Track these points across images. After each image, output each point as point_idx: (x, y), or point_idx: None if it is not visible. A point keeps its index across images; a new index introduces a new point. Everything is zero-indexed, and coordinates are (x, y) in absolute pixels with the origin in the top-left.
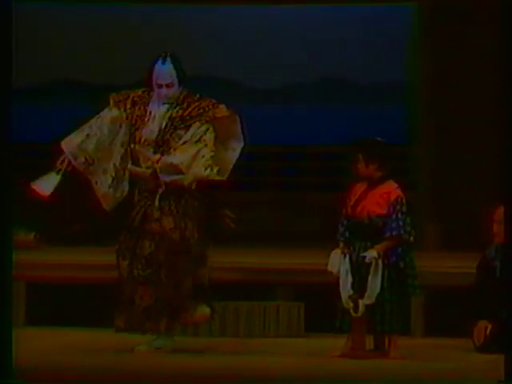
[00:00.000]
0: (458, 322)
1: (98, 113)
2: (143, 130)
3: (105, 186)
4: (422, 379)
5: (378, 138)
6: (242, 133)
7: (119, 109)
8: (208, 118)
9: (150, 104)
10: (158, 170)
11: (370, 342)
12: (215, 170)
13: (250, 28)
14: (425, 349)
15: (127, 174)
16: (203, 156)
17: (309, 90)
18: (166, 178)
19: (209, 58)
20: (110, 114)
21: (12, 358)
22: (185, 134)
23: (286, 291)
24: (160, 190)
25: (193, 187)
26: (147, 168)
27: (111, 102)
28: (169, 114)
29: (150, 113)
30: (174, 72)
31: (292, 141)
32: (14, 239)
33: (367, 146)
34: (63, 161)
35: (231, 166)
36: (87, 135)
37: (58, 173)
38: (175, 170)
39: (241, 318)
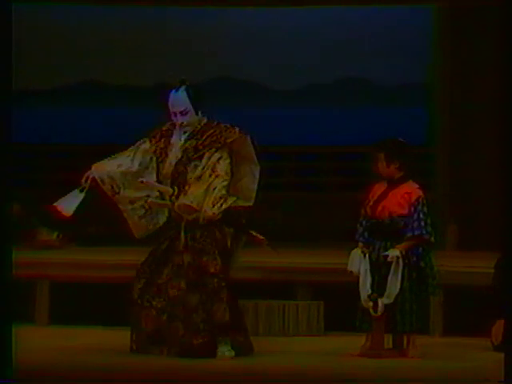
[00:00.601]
0: (476, 322)
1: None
2: (166, 163)
3: (134, 217)
4: (440, 378)
5: (400, 139)
6: (256, 154)
7: (151, 142)
8: (219, 145)
9: (173, 136)
10: (177, 210)
11: (388, 341)
12: (224, 206)
13: (271, 29)
14: (443, 348)
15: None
16: (214, 189)
17: (329, 91)
18: (186, 216)
19: (229, 59)
20: (143, 146)
21: (12, 357)
22: (200, 163)
23: (306, 290)
24: (183, 223)
25: (217, 218)
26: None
27: (149, 134)
28: (185, 146)
29: (172, 145)
30: (187, 100)
31: (312, 141)
32: (38, 239)
33: (389, 146)
34: (87, 178)
35: (255, 192)
36: (118, 165)
37: (81, 191)
38: (189, 209)
39: (260, 316)
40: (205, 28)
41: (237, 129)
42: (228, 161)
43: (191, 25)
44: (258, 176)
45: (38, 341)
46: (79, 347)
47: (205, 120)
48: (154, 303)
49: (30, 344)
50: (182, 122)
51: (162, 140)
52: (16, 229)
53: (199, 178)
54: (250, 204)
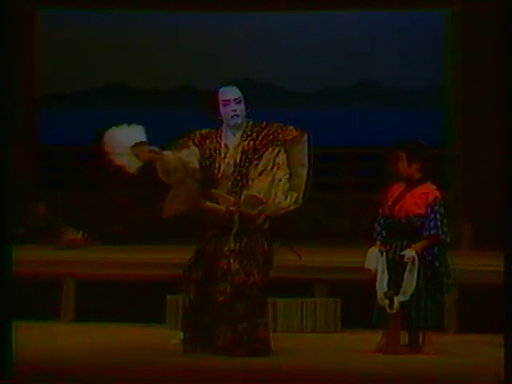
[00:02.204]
0: (490, 319)
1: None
2: (222, 164)
3: (176, 203)
4: (454, 374)
5: (421, 140)
6: (309, 153)
7: (193, 142)
8: (279, 142)
9: (223, 137)
10: (242, 206)
11: (404, 337)
12: (294, 197)
13: (290, 33)
14: (457, 345)
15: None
16: (280, 180)
17: (347, 93)
18: (250, 211)
19: (250, 62)
20: (188, 145)
21: (12, 356)
22: (260, 162)
23: (323, 288)
24: (234, 229)
25: (265, 226)
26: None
27: (186, 136)
28: (241, 148)
29: (226, 146)
30: (238, 90)
31: (330, 142)
32: (64, 239)
33: (411, 146)
34: (156, 154)
35: (302, 193)
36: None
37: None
38: (256, 201)
39: (279, 313)
40: (226, 32)
41: (292, 127)
42: (286, 155)
43: (213, 29)
44: (305, 176)
45: (64, 338)
46: (103, 344)
47: (251, 122)
48: (209, 309)
49: (56, 341)
50: (235, 110)
51: (207, 141)
52: (42, 229)
53: (262, 172)
54: (298, 205)
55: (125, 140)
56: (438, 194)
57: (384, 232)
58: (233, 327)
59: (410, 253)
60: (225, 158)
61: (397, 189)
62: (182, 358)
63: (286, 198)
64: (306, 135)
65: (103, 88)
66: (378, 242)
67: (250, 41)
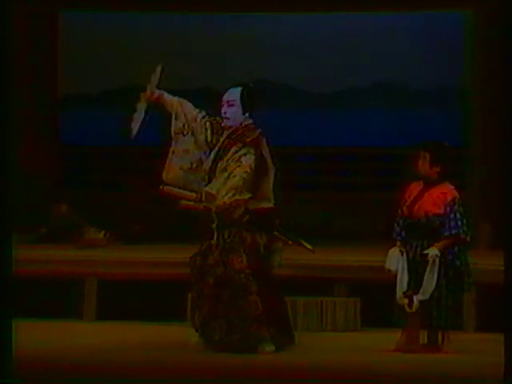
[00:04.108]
0: (509, 318)
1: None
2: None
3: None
4: (473, 373)
5: (445, 142)
6: (272, 156)
7: (202, 117)
8: (242, 144)
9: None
10: (203, 198)
11: (423, 336)
12: (243, 196)
13: (308, 34)
14: (476, 343)
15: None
16: (234, 176)
17: (366, 93)
18: (212, 206)
19: (268, 63)
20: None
21: (11, 356)
22: (224, 160)
23: (343, 287)
24: (213, 225)
25: (244, 219)
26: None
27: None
28: (218, 146)
29: (211, 142)
30: (238, 95)
31: (349, 143)
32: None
33: (435, 148)
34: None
35: (272, 192)
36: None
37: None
38: (209, 196)
39: (298, 312)
40: (246, 33)
41: (259, 130)
42: (254, 157)
43: (233, 30)
44: (273, 177)
45: (86, 336)
46: (125, 343)
47: (248, 122)
48: (200, 302)
49: (78, 340)
50: (225, 113)
51: (215, 137)
52: (64, 228)
53: (225, 168)
54: (271, 205)
55: None
56: (456, 193)
57: (403, 232)
58: (225, 316)
59: (433, 251)
60: (209, 154)
61: (415, 188)
62: (203, 356)
63: (226, 194)
64: (264, 139)
65: (126, 89)
66: (398, 243)
67: (269, 42)
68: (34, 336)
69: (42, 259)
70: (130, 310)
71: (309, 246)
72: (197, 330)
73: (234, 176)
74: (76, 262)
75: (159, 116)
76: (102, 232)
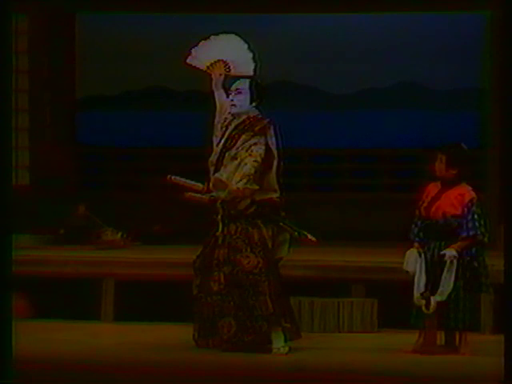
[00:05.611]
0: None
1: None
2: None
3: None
4: (491, 374)
5: (463, 145)
6: (277, 147)
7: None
8: (252, 133)
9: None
10: (210, 186)
11: (441, 338)
12: (254, 186)
13: (326, 35)
14: (493, 345)
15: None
16: (245, 165)
17: (385, 95)
18: (221, 195)
19: (286, 64)
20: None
21: (12, 356)
22: (233, 149)
23: (360, 288)
24: (218, 216)
25: (250, 211)
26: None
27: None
28: (225, 137)
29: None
30: (247, 83)
31: (368, 144)
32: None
33: (453, 151)
34: None
35: (277, 184)
36: None
37: None
38: (219, 183)
39: (315, 313)
40: (267, 34)
41: (267, 120)
42: (263, 147)
43: (254, 30)
44: (275, 169)
45: (104, 337)
46: (143, 343)
47: (255, 113)
48: (208, 299)
49: (96, 340)
50: (233, 100)
51: (223, 129)
52: (82, 229)
53: (234, 157)
54: (277, 195)
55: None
56: (473, 194)
57: (421, 233)
58: (236, 315)
59: (450, 252)
60: (217, 146)
61: (432, 189)
62: (219, 356)
63: (240, 180)
64: (272, 128)
65: (143, 90)
66: (416, 244)
67: (286, 42)
68: (50, 337)
69: (59, 260)
70: (147, 310)
71: (313, 238)
72: (197, 330)
73: (246, 164)
74: (94, 263)
75: (178, 118)
76: (120, 233)
